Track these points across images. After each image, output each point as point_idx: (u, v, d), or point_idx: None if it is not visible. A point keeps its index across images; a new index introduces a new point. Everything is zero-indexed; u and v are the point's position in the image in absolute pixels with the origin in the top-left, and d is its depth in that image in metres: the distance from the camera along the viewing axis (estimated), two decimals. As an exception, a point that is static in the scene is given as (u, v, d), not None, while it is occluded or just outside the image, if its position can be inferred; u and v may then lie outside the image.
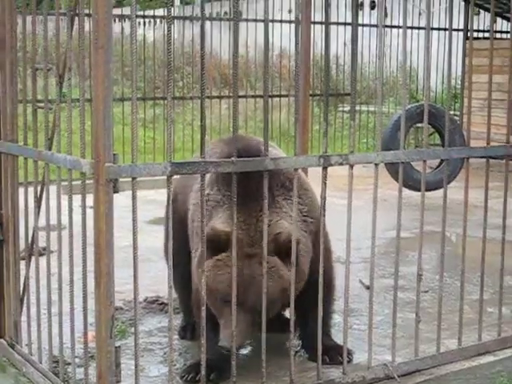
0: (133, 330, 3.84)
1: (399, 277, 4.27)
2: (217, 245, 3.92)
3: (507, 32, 14.05)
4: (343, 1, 17.15)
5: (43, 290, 4.07)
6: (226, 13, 17.49)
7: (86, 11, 5.63)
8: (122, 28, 12.45)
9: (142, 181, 3.55)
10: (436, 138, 12.22)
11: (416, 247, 4.29)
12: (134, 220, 3.39)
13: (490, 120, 4.53)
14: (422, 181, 4.24)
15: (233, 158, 3.59)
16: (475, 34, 13.93)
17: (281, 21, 12.88)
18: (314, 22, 8.36)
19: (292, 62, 16.89)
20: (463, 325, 4.49)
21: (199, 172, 3.53)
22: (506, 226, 4.64)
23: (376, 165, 3.98)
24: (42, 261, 4.07)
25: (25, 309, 4.33)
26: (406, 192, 8.19)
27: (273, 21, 12.20)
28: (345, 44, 12.37)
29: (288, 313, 4.09)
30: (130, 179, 3.36)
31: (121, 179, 3.35)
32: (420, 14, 14.89)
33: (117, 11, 16.65)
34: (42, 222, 4.02)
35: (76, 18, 3.82)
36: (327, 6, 4.13)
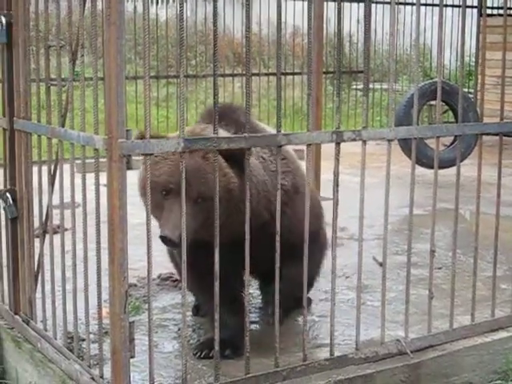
0: (146, 306, 3.86)
1: (412, 254, 4.27)
2: None
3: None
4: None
5: (57, 267, 4.10)
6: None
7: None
8: (135, 7, 12.42)
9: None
10: (450, 116, 12.18)
11: (429, 225, 4.28)
12: (147, 196, 3.41)
13: (504, 97, 4.51)
14: (435, 158, 4.23)
15: (245, 134, 3.60)
16: (489, 11, 13.84)
17: (294, -2, 12.80)
18: (327, 0, 8.34)
19: (305, 40, 16.85)
20: (476, 301, 4.49)
21: (212, 147, 3.53)
22: (520, 202, 4.64)
23: (389, 141, 3.98)
24: (56, 238, 4.09)
25: (39, 286, 4.36)
26: (420, 169, 8.19)
27: (286, -2, 12.14)
28: (358, 21, 12.32)
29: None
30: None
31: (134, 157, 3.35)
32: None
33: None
34: (55, 199, 4.04)
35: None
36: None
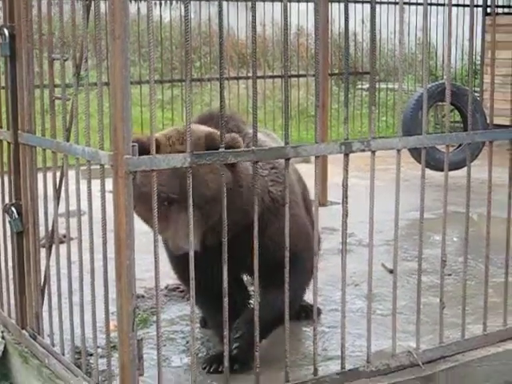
0: (154, 318, 3.79)
1: (422, 260, 4.21)
2: (142, 151, 3.39)
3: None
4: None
5: (64, 278, 4.05)
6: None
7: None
8: (138, 8, 12.34)
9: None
10: (455, 114, 12.10)
11: (438, 229, 4.22)
12: (153, 207, 3.36)
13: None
14: (445, 163, 4.18)
15: (253, 147, 3.55)
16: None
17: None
18: (332, 0, 8.28)
19: (309, 41, 16.79)
20: (488, 309, 4.43)
21: (219, 162, 3.49)
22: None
23: (398, 150, 3.93)
24: (62, 248, 4.04)
25: (46, 299, 4.31)
26: (428, 172, 8.10)
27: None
28: (362, 21, 12.25)
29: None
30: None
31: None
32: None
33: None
34: (61, 209, 3.99)
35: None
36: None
